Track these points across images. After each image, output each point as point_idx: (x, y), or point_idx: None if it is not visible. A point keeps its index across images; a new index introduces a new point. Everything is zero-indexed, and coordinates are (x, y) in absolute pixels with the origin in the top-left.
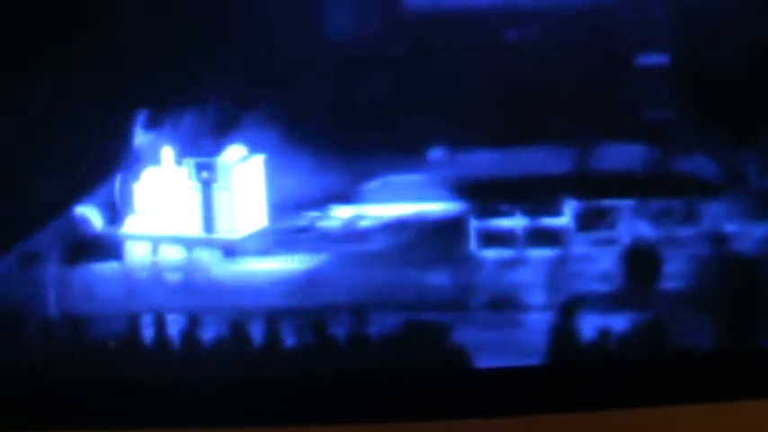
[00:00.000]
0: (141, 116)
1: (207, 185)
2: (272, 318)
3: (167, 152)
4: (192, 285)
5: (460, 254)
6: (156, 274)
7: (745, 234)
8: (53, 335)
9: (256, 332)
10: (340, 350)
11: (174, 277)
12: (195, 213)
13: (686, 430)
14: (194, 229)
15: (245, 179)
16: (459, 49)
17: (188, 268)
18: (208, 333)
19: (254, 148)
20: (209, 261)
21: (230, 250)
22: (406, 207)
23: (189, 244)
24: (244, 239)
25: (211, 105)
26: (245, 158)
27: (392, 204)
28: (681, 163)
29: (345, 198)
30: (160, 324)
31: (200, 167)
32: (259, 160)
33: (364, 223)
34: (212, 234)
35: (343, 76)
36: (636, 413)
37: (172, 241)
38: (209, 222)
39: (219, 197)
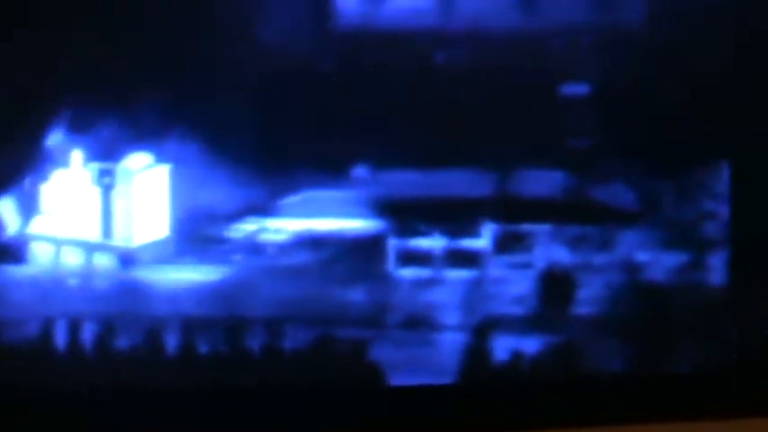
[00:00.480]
0: (57, 118)
1: (107, 191)
2: (187, 327)
3: (77, 155)
4: (105, 291)
5: (378, 272)
6: (67, 278)
7: (658, 263)
8: None
9: (171, 341)
10: (253, 363)
11: (84, 283)
12: (95, 218)
13: None
14: (94, 234)
15: (148, 187)
16: (387, 69)
17: (97, 274)
18: (121, 340)
19: (172, 157)
20: (112, 267)
21: (126, 258)
22: (326, 223)
23: (89, 249)
24: (141, 248)
25: (131, 112)
26: (149, 167)
27: (312, 220)
28: (598, 191)
29: (264, 211)
30: (73, 330)
31: (102, 173)
32: (164, 170)
33: (273, 237)
34: (110, 240)
35: (269, 90)
36: None
37: (74, 245)
38: (107, 228)
39: (118, 203)
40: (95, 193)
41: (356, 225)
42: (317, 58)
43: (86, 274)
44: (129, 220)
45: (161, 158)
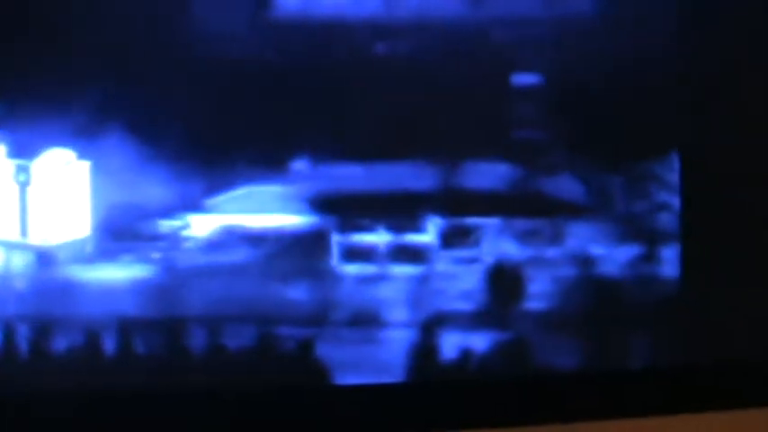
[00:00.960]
0: None
1: (23, 188)
2: (124, 328)
3: (3, 149)
4: (26, 291)
5: (321, 268)
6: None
7: (610, 256)
8: None
9: (108, 343)
10: (193, 364)
11: (18, 283)
12: (14, 216)
13: None
14: (12, 233)
15: (68, 185)
16: (327, 60)
17: (16, 274)
18: (57, 343)
19: (98, 152)
20: (31, 267)
21: (44, 256)
22: (266, 219)
23: (8, 247)
24: (59, 246)
25: (53, 105)
26: (68, 163)
27: (252, 215)
28: (548, 184)
29: (200, 207)
30: (7, 333)
31: (18, 169)
32: (85, 166)
33: (209, 233)
34: (26, 239)
35: (203, 81)
36: None
37: None
38: (23, 226)
39: (34, 201)
40: (14, 190)
41: (297, 220)
42: (254, 47)
43: (5, 275)
44: (45, 218)
45: (86, 154)
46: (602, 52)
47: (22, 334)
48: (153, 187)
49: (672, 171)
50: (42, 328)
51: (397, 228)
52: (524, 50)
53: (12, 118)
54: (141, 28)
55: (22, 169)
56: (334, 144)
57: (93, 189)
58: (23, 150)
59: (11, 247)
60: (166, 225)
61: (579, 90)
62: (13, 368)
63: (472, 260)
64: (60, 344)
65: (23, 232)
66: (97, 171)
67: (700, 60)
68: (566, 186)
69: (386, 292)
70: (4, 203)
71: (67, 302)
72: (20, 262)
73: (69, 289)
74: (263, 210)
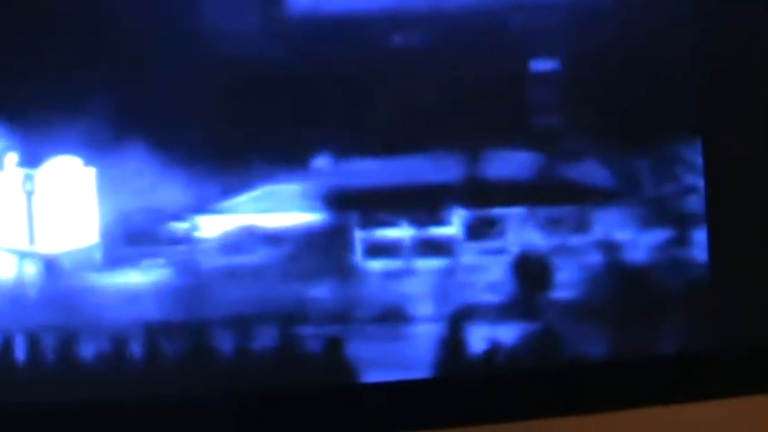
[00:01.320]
0: None
1: (29, 197)
2: (147, 333)
3: (11, 158)
4: (60, 298)
5: (345, 265)
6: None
7: (637, 242)
8: None
9: (132, 348)
10: (221, 365)
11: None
12: (22, 225)
13: None
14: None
15: (81, 191)
16: (343, 55)
17: (28, 282)
18: (84, 350)
19: (112, 156)
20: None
21: (52, 265)
22: (287, 217)
23: (20, 256)
24: (74, 253)
25: (72, 110)
26: (74, 171)
27: (273, 214)
28: (572, 170)
29: (220, 209)
30: (33, 342)
31: (26, 178)
32: (97, 171)
33: (232, 234)
34: (33, 247)
35: (220, 82)
36: (527, 425)
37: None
38: (31, 235)
39: (40, 209)
40: (23, 199)
41: (319, 218)
42: (270, 46)
43: (19, 283)
44: (51, 226)
45: (100, 158)
46: (624, 35)
47: (45, 343)
48: (171, 190)
49: (697, 153)
50: (64, 337)
51: (420, 221)
52: (543, 36)
53: (21, 125)
54: (154, 29)
55: (28, 178)
56: (353, 139)
57: (110, 194)
58: (33, 158)
59: (27, 256)
60: (186, 227)
61: (600, 74)
62: (37, 377)
63: (498, 251)
64: (84, 351)
65: (32, 241)
66: (113, 176)
67: (722, 41)
68: (590, 172)
69: (411, 286)
70: (15, 212)
71: (89, 309)
72: (37, 270)
73: (90, 295)
74: (283, 208)
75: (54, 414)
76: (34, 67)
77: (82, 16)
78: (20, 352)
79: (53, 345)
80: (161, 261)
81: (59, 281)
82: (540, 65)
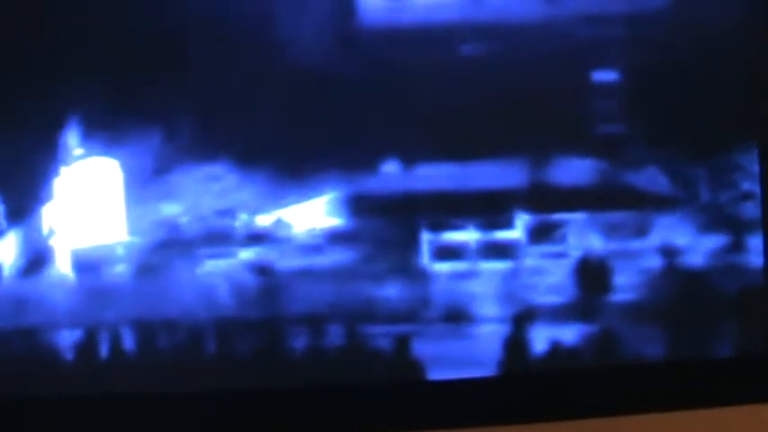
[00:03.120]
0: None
1: (110, 193)
2: (221, 329)
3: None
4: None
5: (413, 267)
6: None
7: (696, 247)
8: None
9: (207, 344)
10: (292, 363)
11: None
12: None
13: None
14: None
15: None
16: (413, 63)
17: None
18: (160, 343)
19: (192, 158)
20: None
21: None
22: (358, 221)
23: (103, 251)
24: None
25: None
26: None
27: (343, 217)
28: (632, 177)
29: (294, 211)
30: (114, 336)
31: (108, 173)
32: (172, 174)
33: (306, 235)
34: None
35: (296, 90)
36: (586, 424)
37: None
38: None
39: (119, 204)
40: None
41: (389, 221)
42: (341, 55)
43: (102, 278)
44: (133, 220)
45: (181, 158)
46: (683, 46)
47: (126, 336)
48: (248, 192)
49: (753, 161)
50: (142, 331)
51: (486, 225)
52: (605, 47)
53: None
54: (234, 43)
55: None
56: (423, 145)
57: (190, 195)
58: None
59: (109, 250)
60: (263, 228)
61: (660, 84)
62: (117, 370)
63: (560, 255)
64: (160, 344)
65: (112, 236)
66: (195, 177)
67: None
68: (651, 179)
69: (476, 288)
70: (98, 206)
71: (165, 304)
72: (118, 265)
73: (166, 290)
74: (354, 212)
75: (132, 405)
76: (123, 78)
77: (166, 31)
78: (103, 346)
79: (134, 338)
80: (238, 260)
81: (138, 276)
82: (603, 75)
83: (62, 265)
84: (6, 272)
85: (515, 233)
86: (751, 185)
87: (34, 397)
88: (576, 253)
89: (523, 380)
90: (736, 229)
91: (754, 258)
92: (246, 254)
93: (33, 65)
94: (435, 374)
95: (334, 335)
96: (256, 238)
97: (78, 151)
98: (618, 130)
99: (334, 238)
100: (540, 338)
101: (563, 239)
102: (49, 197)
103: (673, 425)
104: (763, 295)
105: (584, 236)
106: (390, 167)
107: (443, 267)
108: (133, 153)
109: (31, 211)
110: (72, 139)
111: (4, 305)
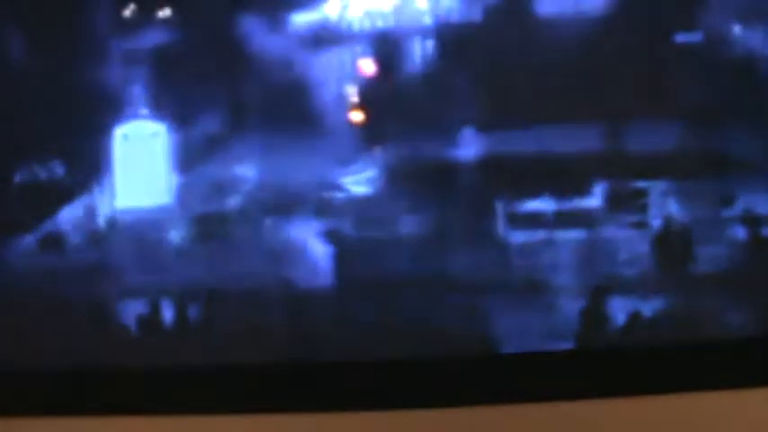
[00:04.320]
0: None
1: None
2: (293, 299)
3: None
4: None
5: (489, 236)
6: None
7: None
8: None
9: (278, 313)
10: (366, 333)
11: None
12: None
13: (721, 415)
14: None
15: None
16: (489, 26)
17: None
18: (226, 314)
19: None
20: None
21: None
22: (432, 189)
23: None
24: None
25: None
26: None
27: (419, 185)
28: (715, 143)
29: (367, 180)
30: (180, 304)
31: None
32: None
33: (382, 205)
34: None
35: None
36: (667, 399)
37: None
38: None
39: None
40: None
41: (464, 189)
42: (411, 18)
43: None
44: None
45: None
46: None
47: (191, 306)
48: (322, 163)
49: None
50: (209, 299)
51: (563, 193)
52: (690, 8)
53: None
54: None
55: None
56: (500, 111)
57: (260, 164)
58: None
59: (175, 217)
60: (334, 197)
61: (746, 49)
62: (182, 339)
63: (640, 224)
64: (226, 315)
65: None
66: (269, 145)
67: None
68: (734, 146)
69: (553, 258)
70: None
71: (233, 272)
72: (185, 233)
73: (236, 258)
74: (430, 179)
75: (196, 376)
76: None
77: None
78: (167, 315)
79: (199, 308)
80: (309, 229)
81: (205, 244)
82: (688, 37)
83: (126, 235)
84: (70, 242)
85: (593, 201)
86: None
87: (97, 366)
88: (656, 222)
89: (602, 353)
90: None
91: None
92: (318, 223)
93: None
94: (511, 347)
95: (407, 305)
96: (328, 206)
97: (143, 117)
98: (703, 94)
99: (405, 206)
100: (619, 311)
101: (643, 208)
102: (111, 167)
103: (755, 401)
104: None
105: (665, 204)
106: (467, 133)
107: (519, 236)
108: (203, 121)
109: (94, 181)
110: (137, 106)
111: (70, 275)
